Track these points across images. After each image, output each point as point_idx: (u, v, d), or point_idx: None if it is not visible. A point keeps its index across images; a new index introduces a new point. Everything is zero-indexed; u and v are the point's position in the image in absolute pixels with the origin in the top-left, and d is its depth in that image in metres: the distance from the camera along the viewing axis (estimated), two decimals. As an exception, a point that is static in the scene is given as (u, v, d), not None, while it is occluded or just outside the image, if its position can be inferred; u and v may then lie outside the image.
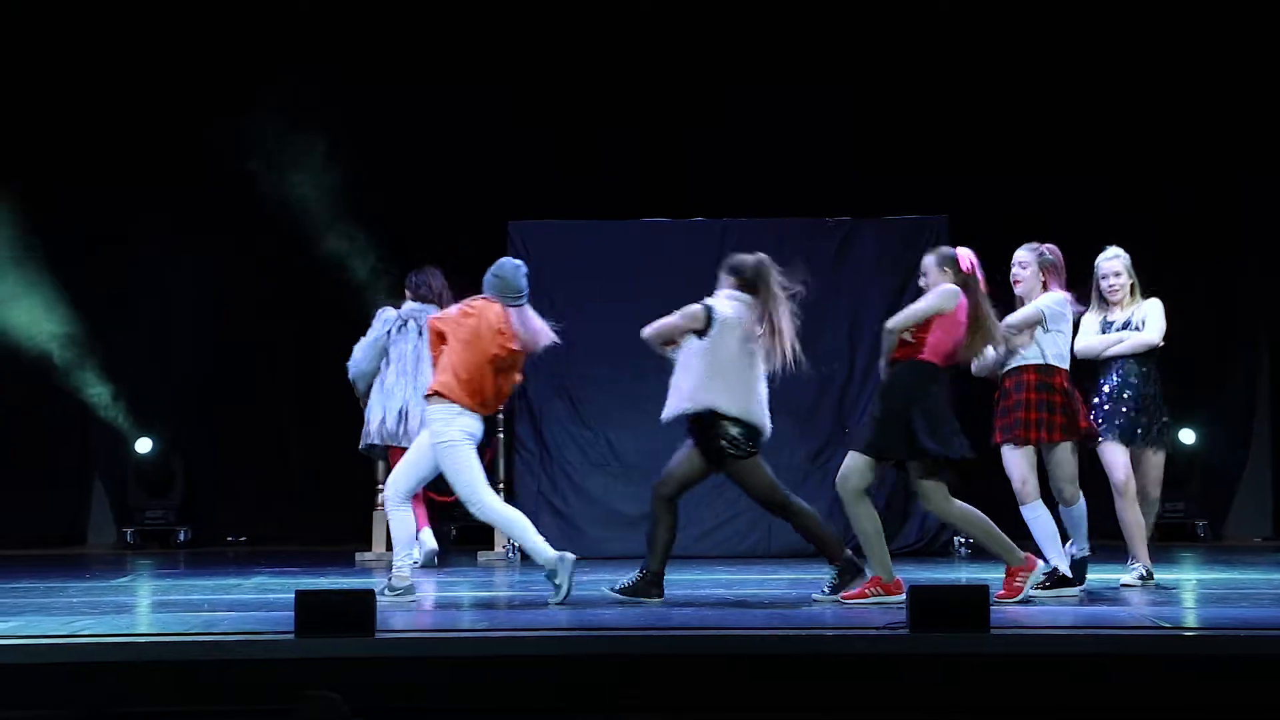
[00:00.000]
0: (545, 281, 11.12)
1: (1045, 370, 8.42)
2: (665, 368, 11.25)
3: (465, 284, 11.70)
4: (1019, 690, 6.12)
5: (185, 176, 12.41)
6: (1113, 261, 8.92)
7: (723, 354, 8.15)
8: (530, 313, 8.40)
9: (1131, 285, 8.91)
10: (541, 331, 8.44)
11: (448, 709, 6.11)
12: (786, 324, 8.18)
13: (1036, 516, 8.42)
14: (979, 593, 6.34)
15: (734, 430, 8.10)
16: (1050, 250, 8.70)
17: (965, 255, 8.07)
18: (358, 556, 11.10)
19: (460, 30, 12.56)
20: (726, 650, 6.34)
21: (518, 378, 8.54)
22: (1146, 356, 8.81)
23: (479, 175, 12.46)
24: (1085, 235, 12.39)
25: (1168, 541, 12.34)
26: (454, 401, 8.19)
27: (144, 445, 12.76)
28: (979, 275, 8.04)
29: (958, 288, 7.93)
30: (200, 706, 6.11)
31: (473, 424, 8.26)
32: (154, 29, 12.62)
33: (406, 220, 12.35)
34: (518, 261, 8.51)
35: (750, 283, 8.24)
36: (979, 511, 7.93)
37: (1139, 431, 8.74)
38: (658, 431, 11.16)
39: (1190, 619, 7.16)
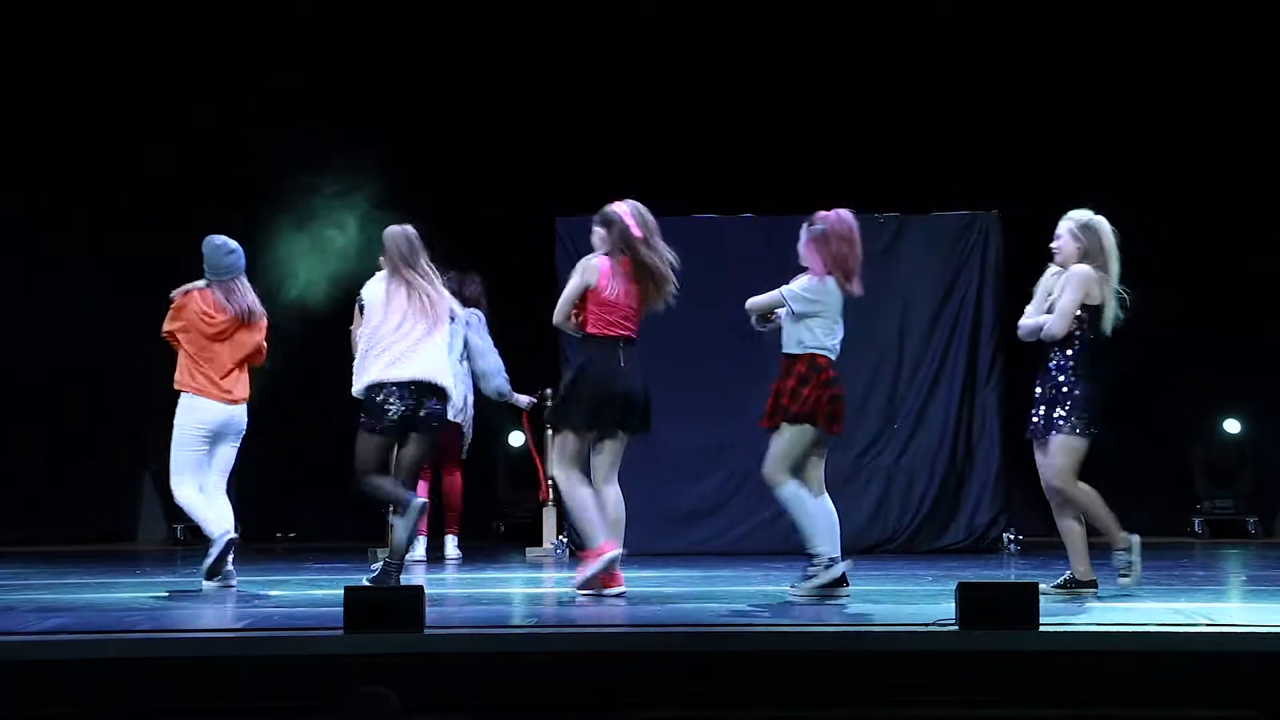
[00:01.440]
0: (594, 277, 11.16)
1: (791, 359, 8.34)
2: (718, 363, 11.27)
3: (513, 282, 11.81)
4: (1067, 687, 6.10)
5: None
6: (1064, 221, 8.30)
7: None
8: (238, 286, 9.01)
9: (1081, 250, 8.08)
10: (252, 303, 9.07)
11: (497, 704, 6.11)
12: None
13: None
14: (1028, 590, 6.32)
15: None
16: (826, 219, 8.35)
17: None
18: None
19: (505, 25, 12.55)
20: (775, 646, 6.34)
21: (257, 353, 9.15)
22: (1064, 340, 8.11)
23: (525, 172, 12.45)
24: (1136, 229, 12.43)
25: (1218, 539, 12.28)
26: (191, 393, 8.92)
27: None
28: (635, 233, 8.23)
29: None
30: (250, 703, 6.12)
31: (210, 413, 8.90)
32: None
33: (453, 218, 12.34)
34: (220, 241, 9.07)
35: None
36: None
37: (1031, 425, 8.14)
38: (709, 427, 11.24)
39: (1239, 616, 7.12)
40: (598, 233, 8.49)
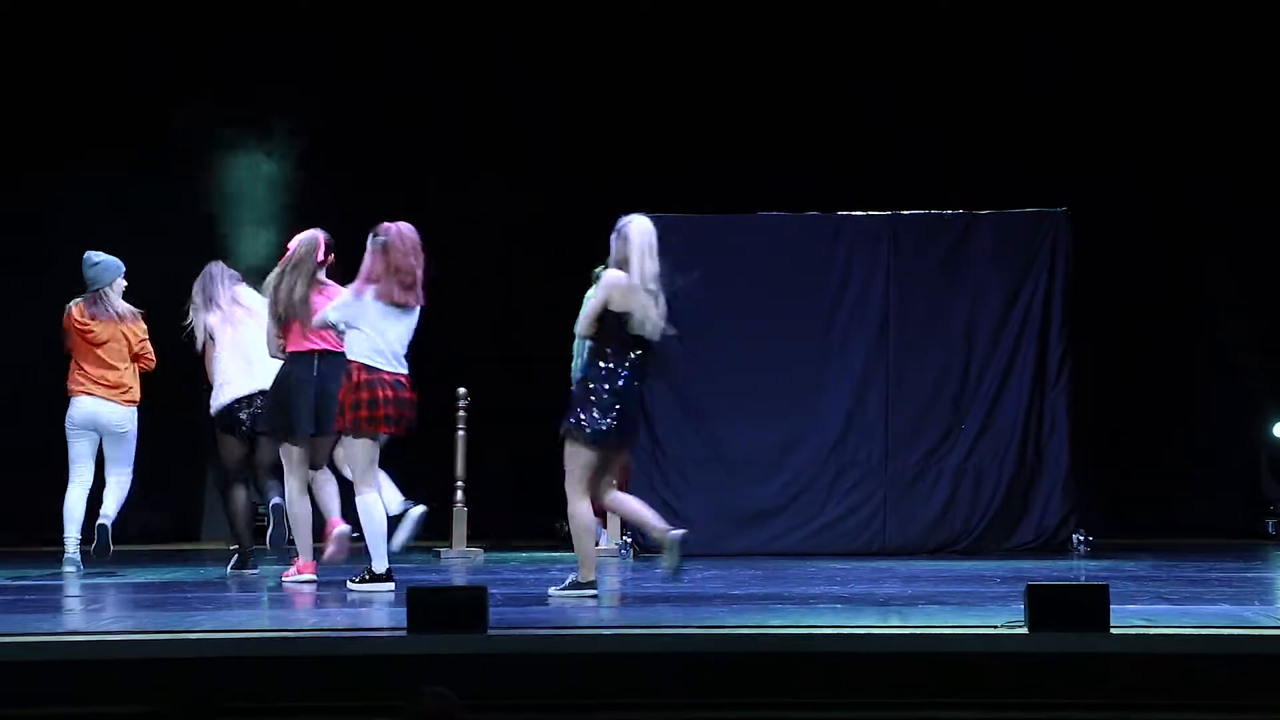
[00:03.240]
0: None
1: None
2: (780, 364, 11.23)
3: (574, 279, 11.79)
4: (1139, 690, 6.02)
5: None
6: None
7: None
8: (106, 297, 10.06)
9: (618, 256, 8.16)
10: (121, 309, 10.11)
11: (561, 705, 6.07)
12: None
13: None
14: (1098, 591, 6.26)
15: None
16: (388, 231, 8.53)
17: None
18: (443, 554, 11.10)
19: (552, 20, 12.52)
20: (840, 648, 6.27)
21: (143, 355, 10.16)
22: (594, 345, 8.15)
23: (582, 167, 12.41)
24: (1200, 231, 12.33)
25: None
26: (72, 394, 10.10)
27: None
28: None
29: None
30: (313, 702, 6.11)
31: (83, 409, 10.09)
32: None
33: (514, 214, 12.36)
34: (87, 255, 10.11)
35: None
36: None
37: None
38: (774, 426, 11.19)
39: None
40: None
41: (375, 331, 8.51)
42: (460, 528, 11.16)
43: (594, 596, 8.10)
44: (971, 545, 11.04)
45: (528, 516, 12.51)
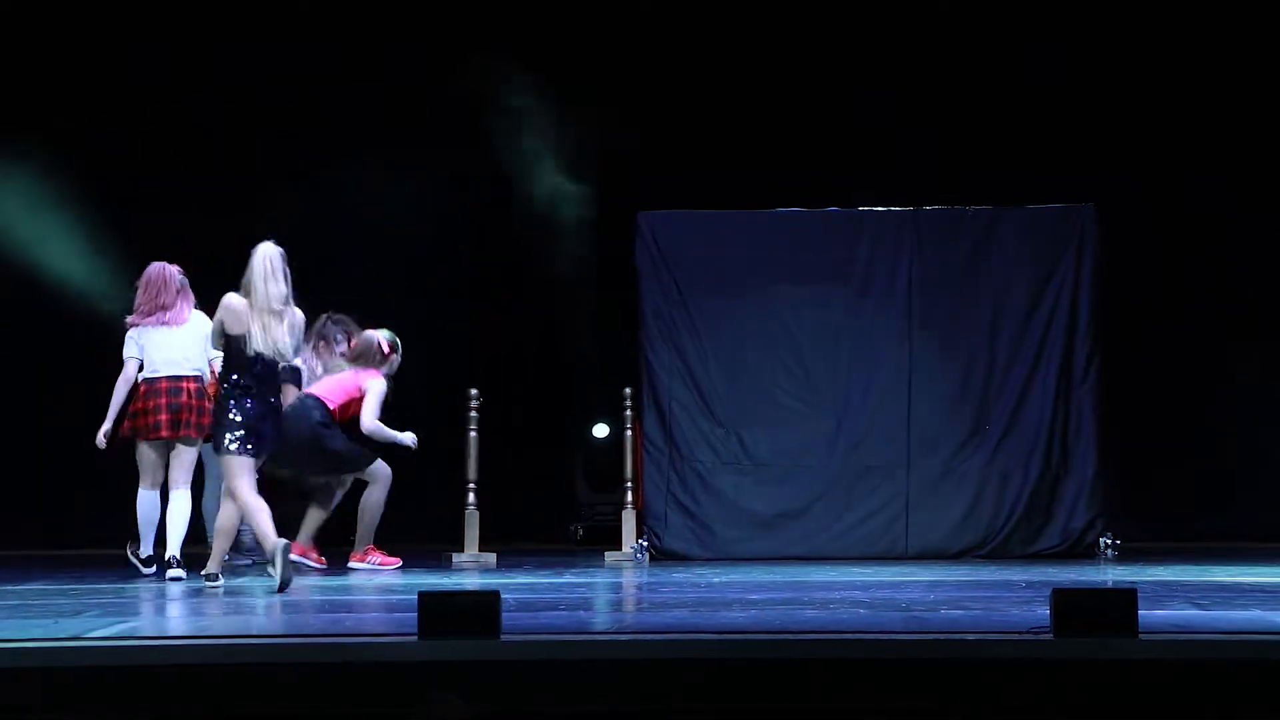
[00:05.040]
0: (675, 272, 11.04)
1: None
2: (799, 364, 11.14)
3: (594, 279, 11.73)
4: (1168, 697, 5.92)
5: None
6: None
7: None
8: None
9: (244, 281, 8.82)
10: None
11: (574, 713, 6.00)
12: None
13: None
14: (1126, 596, 6.15)
15: None
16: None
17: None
18: (454, 558, 11.01)
19: (588, 17, 12.45)
20: (863, 655, 6.19)
21: None
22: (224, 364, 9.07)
23: (603, 165, 12.33)
24: (1220, 229, 12.22)
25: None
26: None
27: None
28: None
29: None
30: (322, 708, 6.02)
31: None
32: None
33: (529, 212, 12.29)
34: None
35: None
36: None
37: None
38: (790, 428, 11.10)
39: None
40: None
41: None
42: (472, 531, 11.07)
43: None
44: (996, 549, 10.93)
45: (542, 520, 12.43)
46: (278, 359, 8.78)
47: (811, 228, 11.22)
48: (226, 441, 8.74)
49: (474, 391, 11.21)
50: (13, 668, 6.04)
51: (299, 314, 8.87)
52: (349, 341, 10.45)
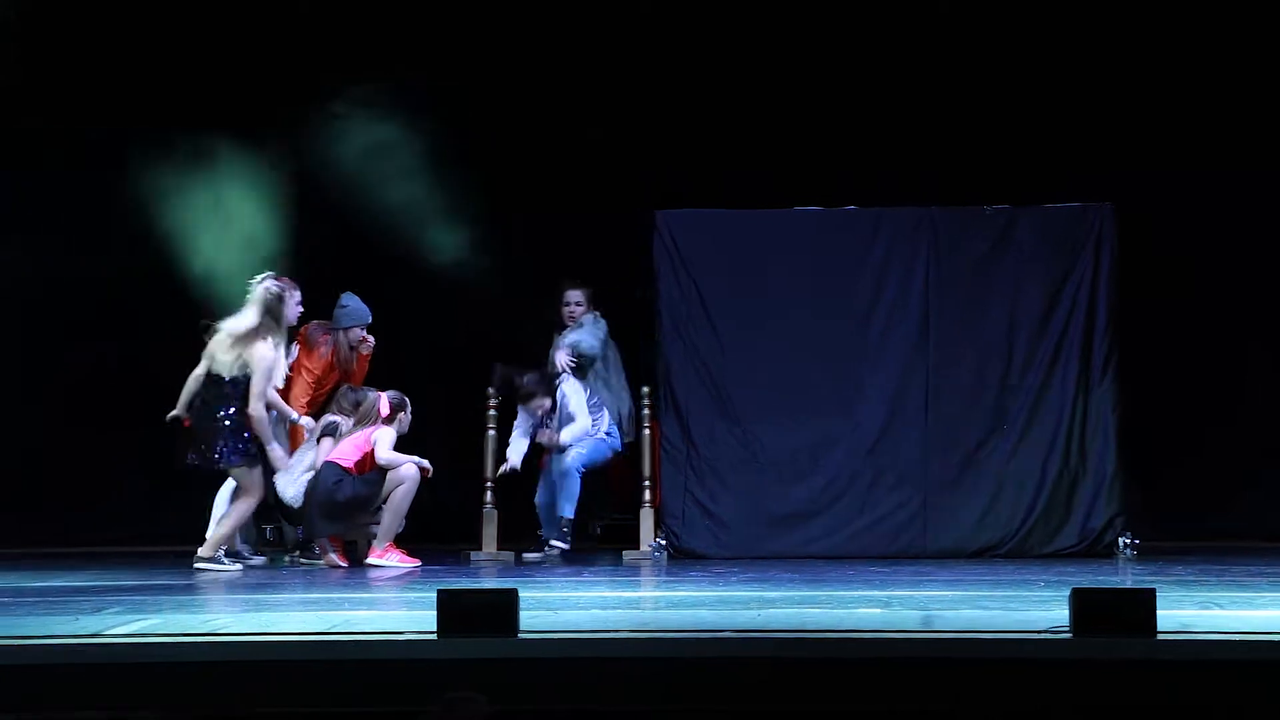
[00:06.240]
0: (693, 272, 11.03)
1: None
2: (816, 363, 11.13)
3: (612, 277, 11.71)
4: (1187, 697, 5.93)
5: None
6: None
7: None
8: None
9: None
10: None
11: (593, 711, 6.02)
12: None
13: None
14: (1145, 596, 6.15)
15: None
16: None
17: None
18: (472, 556, 11.02)
19: (601, 13, 12.44)
20: (880, 654, 6.20)
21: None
22: None
23: (619, 163, 12.32)
24: (1238, 228, 12.17)
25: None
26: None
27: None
28: None
29: None
30: (340, 707, 6.06)
31: None
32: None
33: (543, 210, 12.27)
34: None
35: None
36: None
37: None
38: (811, 426, 11.08)
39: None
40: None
41: None
42: (490, 529, 11.09)
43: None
44: (1014, 548, 10.89)
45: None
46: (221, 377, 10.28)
47: (828, 226, 11.18)
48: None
49: (491, 390, 11.23)
50: (34, 664, 6.06)
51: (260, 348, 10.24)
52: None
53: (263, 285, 10.34)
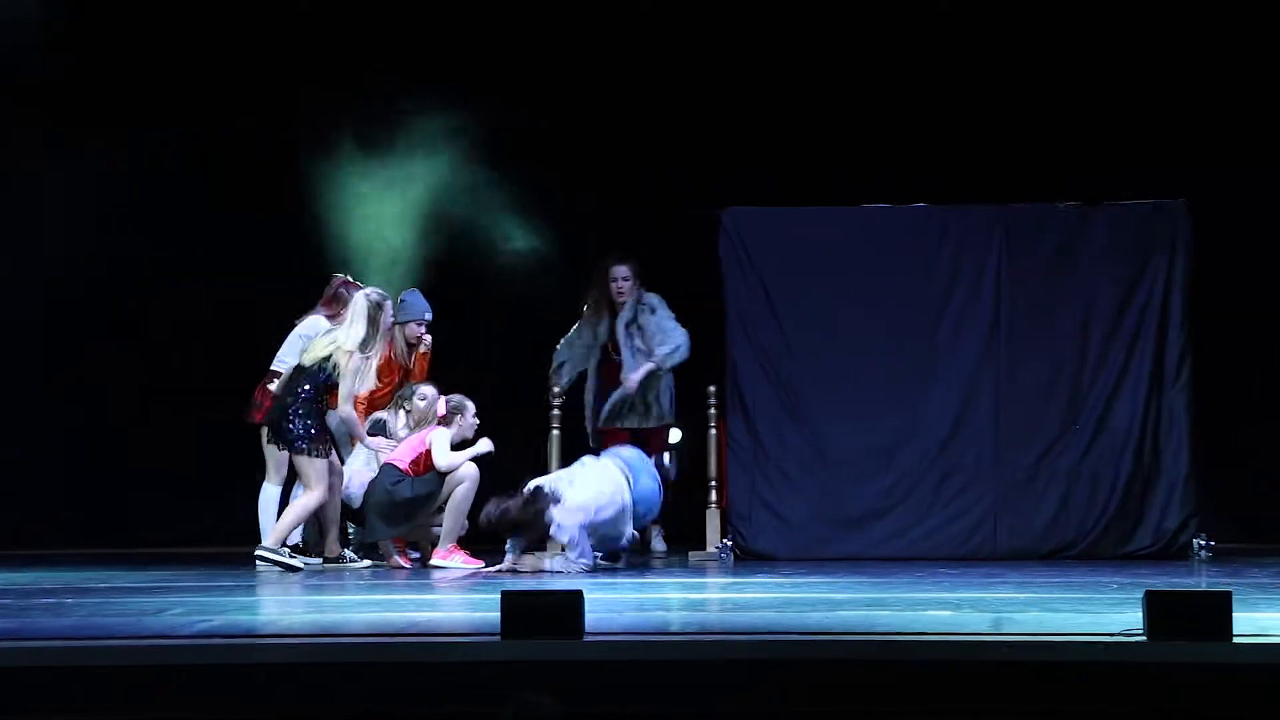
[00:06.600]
0: (759, 269, 10.96)
1: None
2: (885, 362, 11.06)
3: (678, 275, 11.67)
4: (1263, 702, 5.84)
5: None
6: None
7: None
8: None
9: None
10: None
11: (658, 714, 5.99)
12: None
13: None
14: (1221, 599, 6.07)
15: None
16: None
17: None
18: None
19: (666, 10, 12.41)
20: (949, 656, 6.12)
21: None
22: None
23: (684, 161, 12.27)
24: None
25: None
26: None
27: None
28: None
29: None
30: (404, 708, 6.03)
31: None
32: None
33: (607, 208, 12.26)
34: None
35: None
36: None
37: None
38: (879, 427, 11.00)
39: None
40: None
41: None
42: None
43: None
44: (1086, 550, 10.79)
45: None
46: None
47: (896, 224, 11.10)
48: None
49: (556, 389, 11.20)
50: (95, 666, 6.07)
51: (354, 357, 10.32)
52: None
53: (364, 295, 10.39)
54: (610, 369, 11.57)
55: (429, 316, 11.09)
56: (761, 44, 12.39)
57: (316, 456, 10.27)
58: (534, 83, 12.38)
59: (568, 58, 12.38)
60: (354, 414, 10.37)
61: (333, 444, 10.52)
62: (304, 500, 10.37)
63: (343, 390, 10.26)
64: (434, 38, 12.41)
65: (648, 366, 11.33)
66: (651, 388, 11.46)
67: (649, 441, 11.31)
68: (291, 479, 10.70)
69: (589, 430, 11.62)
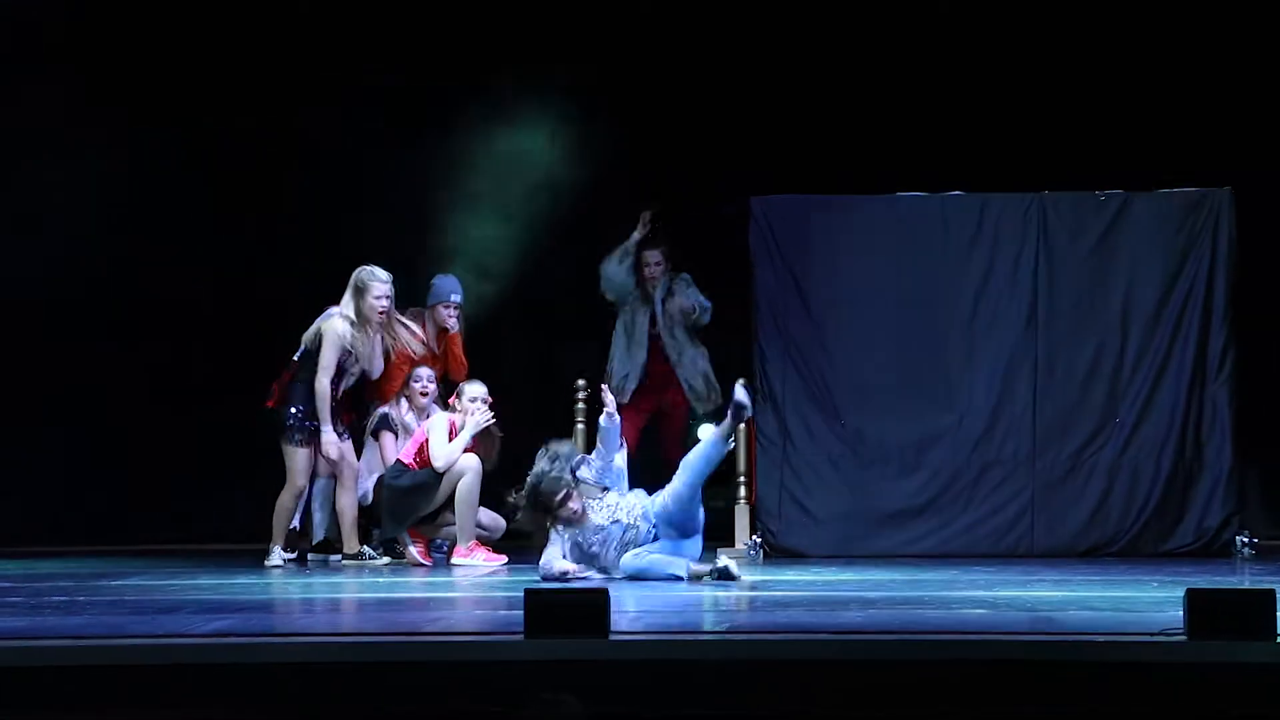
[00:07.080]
0: (790, 259, 10.84)
1: None
2: (919, 354, 10.95)
3: (710, 263, 11.58)
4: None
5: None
6: None
7: None
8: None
9: None
10: None
11: (685, 715, 5.88)
12: None
13: None
14: (1264, 597, 5.96)
15: None
16: None
17: None
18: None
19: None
20: (985, 655, 6.01)
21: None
22: None
23: (714, 148, 12.16)
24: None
25: None
26: None
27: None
28: None
29: None
30: (426, 706, 5.94)
31: None
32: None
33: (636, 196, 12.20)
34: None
35: None
36: None
37: None
38: (910, 420, 10.89)
39: None
40: None
41: None
42: None
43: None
44: (1126, 547, 10.70)
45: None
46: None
47: (931, 212, 10.97)
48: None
49: (581, 382, 11.07)
50: (106, 665, 6.00)
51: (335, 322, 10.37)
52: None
53: (358, 269, 10.44)
54: (654, 346, 11.41)
55: (455, 299, 10.92)
56: (797, 34, 12.30)
57: (298, 446, 10.22)
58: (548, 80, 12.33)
59: (591, 53, 12.34)
60: (326, 388, 10.21)
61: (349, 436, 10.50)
62: (281, 498, 10.36)
63: (321, 359, 10.21)
64: (434, 38, 12.35)
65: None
66: (700, 371, 11.34)
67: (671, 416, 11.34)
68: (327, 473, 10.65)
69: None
